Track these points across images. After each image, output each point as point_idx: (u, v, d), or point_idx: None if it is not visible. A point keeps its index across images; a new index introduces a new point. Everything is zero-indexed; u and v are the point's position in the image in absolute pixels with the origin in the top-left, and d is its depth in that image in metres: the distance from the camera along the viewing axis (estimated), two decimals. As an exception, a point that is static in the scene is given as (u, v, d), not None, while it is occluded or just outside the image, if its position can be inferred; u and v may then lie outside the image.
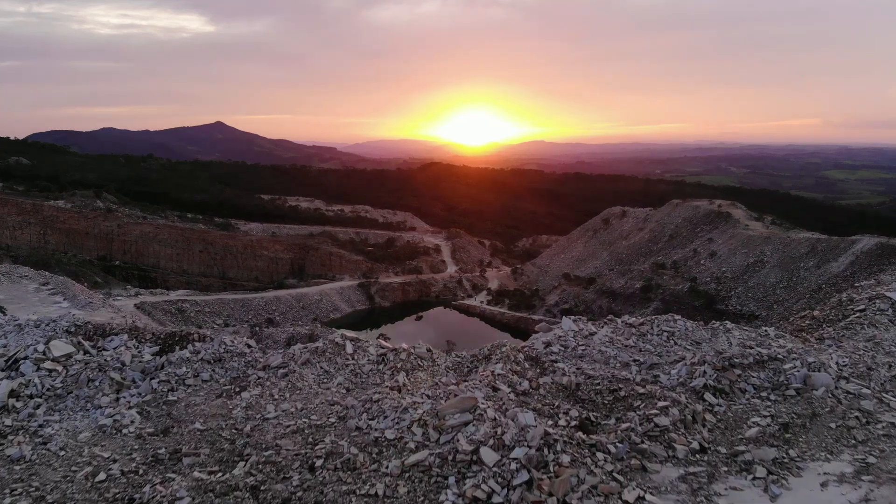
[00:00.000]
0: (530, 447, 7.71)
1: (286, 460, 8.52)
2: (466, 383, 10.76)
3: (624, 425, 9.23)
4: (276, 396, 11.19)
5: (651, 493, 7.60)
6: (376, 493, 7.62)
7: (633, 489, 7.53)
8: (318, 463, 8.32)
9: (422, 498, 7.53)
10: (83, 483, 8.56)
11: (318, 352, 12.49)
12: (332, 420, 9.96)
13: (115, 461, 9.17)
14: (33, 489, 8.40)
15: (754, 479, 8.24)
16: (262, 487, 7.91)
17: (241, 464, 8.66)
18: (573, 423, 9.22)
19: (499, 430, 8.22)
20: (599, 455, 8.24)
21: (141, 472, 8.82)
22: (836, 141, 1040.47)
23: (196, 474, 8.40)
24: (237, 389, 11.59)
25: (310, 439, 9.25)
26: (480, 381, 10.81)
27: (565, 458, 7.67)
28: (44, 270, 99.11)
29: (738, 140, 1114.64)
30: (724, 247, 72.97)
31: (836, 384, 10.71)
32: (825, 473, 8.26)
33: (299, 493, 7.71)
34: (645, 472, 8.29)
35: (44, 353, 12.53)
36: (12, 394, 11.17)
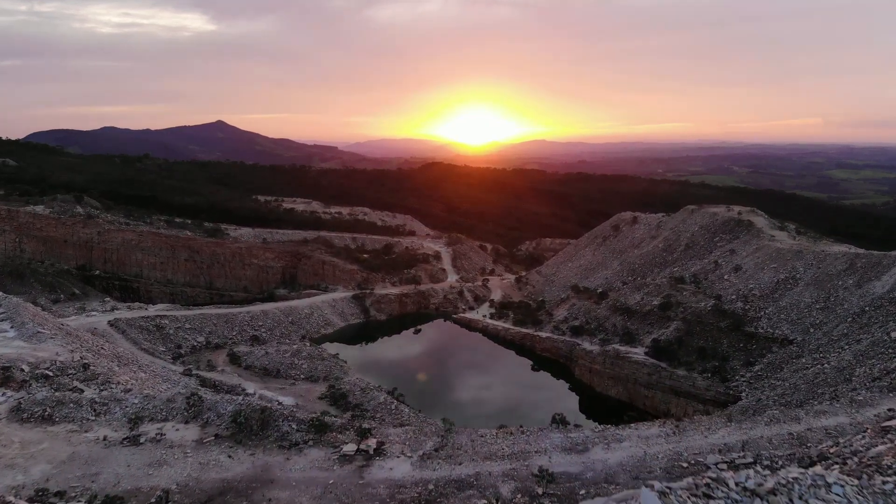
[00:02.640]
0: None
1: None
2: None
3: None
4: None
5: None
6: None
7: None
8: None
9: None
10: None
11: None
12: None
13: None
14: None
15: None
16: None
17: None
18: None
19: None
20: None
21: None
22: (837, 140, 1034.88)
23: None
24: None
25: None
26: None
27: None
28: (17, 282, 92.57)
29: (740, 139, 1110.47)
30: (749, 260, 66.64)
31: None
32: None
33: None
34: None
35: None
36: None
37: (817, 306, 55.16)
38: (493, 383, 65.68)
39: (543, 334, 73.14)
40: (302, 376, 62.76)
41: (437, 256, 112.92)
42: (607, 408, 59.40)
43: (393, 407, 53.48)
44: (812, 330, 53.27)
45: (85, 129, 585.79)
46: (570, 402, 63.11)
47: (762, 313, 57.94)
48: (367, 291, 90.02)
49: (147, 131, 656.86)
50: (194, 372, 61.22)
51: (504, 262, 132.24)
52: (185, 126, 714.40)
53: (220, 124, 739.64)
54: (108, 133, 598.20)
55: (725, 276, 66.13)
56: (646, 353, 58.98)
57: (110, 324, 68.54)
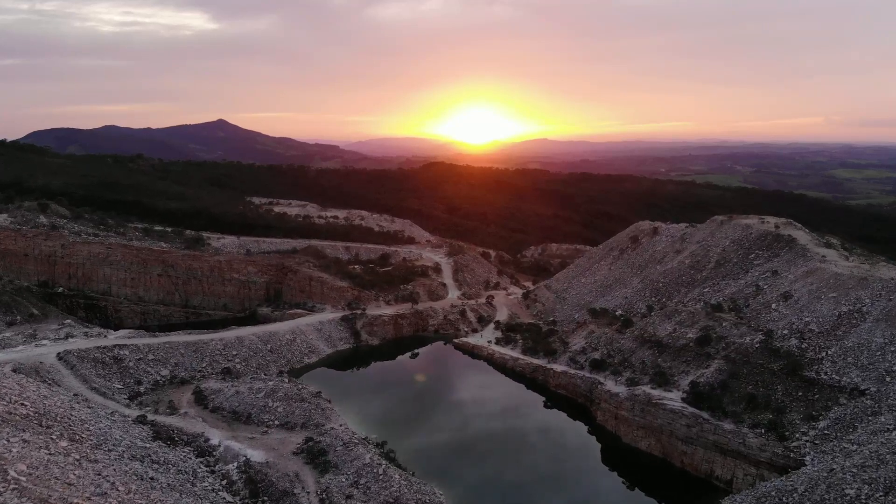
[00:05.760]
0: None
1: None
2: None
3: None
4: None
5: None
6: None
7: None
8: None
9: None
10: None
11: None
12: None
13: None
14: None
15: None
16: None
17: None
18: None
19: None
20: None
21: None
22: (839, 139, 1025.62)
23: None
24: None
25: None
26: None
27: None
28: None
29: (742, 138, 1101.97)
30: (800, 286, 57.11)
31: None
32: None
33: None
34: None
35: None
36: None
37: (892, 348, 45.80)
38: (502, 429, 56.46)
39: (558, 368, 63.81)
40: (277, 422, 53.50)
41: (437, 269, 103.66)
42: (637, 464, 50.24)
43: (380, 471, 44.13)
44: (889, 379, 43.92)
45: (86, 128, 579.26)
46: (590, 450, 54.18)
47: (823, 354, 48.51)
48: (359, 312, 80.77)
49: (148, 130, 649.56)
50: (150, 417, 52.00)
51: (509, 270, 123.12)
52: (185, 125, 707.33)
53: (221, 123, 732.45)
54: (110, 132, 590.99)
55: (773, 305, 56.60)
56: (683, 400, 49.71)
57: (60, 357, 59.33)
